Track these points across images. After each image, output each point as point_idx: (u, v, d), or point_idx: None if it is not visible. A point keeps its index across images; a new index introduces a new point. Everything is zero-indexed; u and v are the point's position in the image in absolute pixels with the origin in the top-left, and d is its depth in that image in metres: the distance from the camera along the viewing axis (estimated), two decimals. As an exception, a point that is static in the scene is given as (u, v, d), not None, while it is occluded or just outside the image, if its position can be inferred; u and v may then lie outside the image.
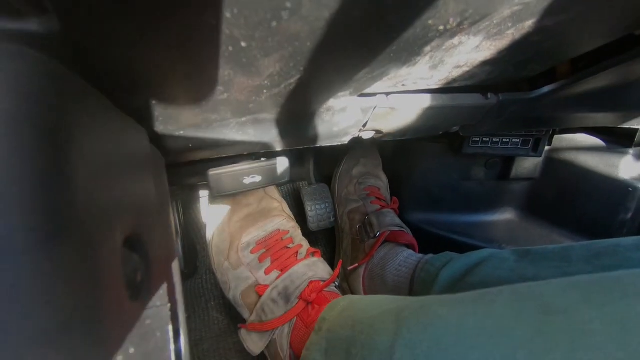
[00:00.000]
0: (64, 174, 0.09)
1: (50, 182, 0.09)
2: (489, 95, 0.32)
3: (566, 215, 0.62)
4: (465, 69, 0.26)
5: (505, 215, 0.68)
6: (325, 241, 0.68)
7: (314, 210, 0.57)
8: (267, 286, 0.41)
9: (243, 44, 0.15)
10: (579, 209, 0.60)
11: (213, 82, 0.18)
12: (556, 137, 0.60)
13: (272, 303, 0.40)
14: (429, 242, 0.59)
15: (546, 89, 0.33)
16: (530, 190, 0.66)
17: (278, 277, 0.41)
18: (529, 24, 0.21)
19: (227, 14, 0.13)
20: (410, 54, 0.21)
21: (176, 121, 0.22)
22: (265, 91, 0.20)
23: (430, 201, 0.67)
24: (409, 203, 0.67)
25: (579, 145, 0.59)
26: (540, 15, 0.21)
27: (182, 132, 0.23)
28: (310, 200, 0.57)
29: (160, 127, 0.22)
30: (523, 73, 0.32)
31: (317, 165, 0.63)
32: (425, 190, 0.67)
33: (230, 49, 0.15)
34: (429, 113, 0.32)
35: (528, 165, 0.62)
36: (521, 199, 0.67)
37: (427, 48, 0.20)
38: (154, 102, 0.19)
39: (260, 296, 0.41)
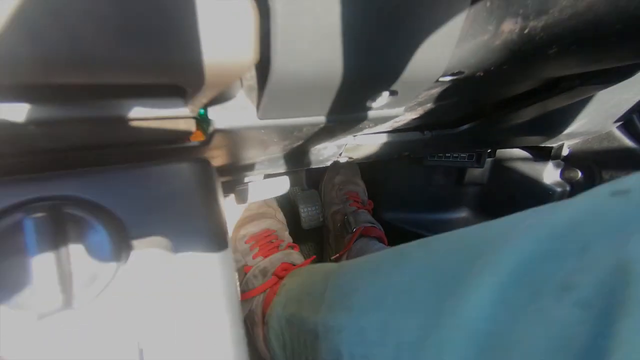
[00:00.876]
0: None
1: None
2: (425, 132, 0.47)
3: (507, 212, 0.78)
4: (402, 122, 0.40)
5: (461, 214, 0.84)
6: (317, 238, 0.82)
7: (306, 212, 0.71)
8: (251, 267, 0.55)
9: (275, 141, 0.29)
10: (516, 207, 0.76)
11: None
12: (499, 151, 0.75)
13: (254, 278, 0.53)
14: (400, 236, 0.74)
15: (466, 126, 0.48)
16: (480, 193, 0.81)
17: (261, 262, 0.55)
18: (446, 99, 0.35)
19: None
20: (360, 130, 0.35)
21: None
22: (279, 151, 0.34)
23: (400, 202, 0.82)
24: (384, 204, 0.81)
25: (515, 157, 0.74)
26: (454, 93, 0.35)
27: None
28: (303, 203, 0.71)
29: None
30: (448, 118, 0.47)
31: (308, 175, 0.78)
32: (396, 194, 0.82)
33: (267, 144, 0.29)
34: (384, 145, 0.47)
35: (477, 173, 0.78)
36: (473, 200, 0.82)
37: (371, 125, 0.34)
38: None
39: (246, 274, 0.55)
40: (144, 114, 0.16)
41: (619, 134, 0.60)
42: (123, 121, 0.16)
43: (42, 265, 0.14)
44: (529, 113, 0.51)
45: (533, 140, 0.64)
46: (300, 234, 0.73)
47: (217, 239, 0.20)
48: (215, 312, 0.19)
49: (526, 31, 0.18)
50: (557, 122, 0.57)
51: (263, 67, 0.15)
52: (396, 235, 0.69)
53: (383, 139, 0.45)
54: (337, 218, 0.70)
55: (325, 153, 0.44)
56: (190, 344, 0.18)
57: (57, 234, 0.15)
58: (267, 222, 0.61)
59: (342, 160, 0.49)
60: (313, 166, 0.47)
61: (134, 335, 0.17)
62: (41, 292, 0.15)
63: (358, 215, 0.68)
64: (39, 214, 0.15)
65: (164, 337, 0.18)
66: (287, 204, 0.78)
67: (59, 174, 0.16)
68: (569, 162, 0.68)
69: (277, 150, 0.34)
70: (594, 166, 0.65)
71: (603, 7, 0.15)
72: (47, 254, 0.14)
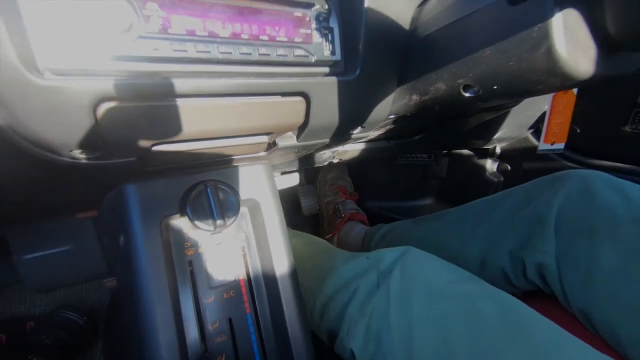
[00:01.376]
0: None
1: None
2: (390, 141, 0.67)
3: (461, 200, 1.00)
4: (374, 136, 0.61)
5: (426, 201, 1.05)
6: (314, 222, 1.02)
7: (305, 202, 0.91)
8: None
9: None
10: (468, 195, 0.98)
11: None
12: (454, 151, 0.97)
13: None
14: (380, 219, 0.95)
15: (418, 137, 0.69)
16: (440, 184, 1.03)
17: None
18: (396, 124, 0.56)
19: None
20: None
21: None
22: (295, 157, 0.54)
23: (379, 194, 1.03)
24: (367, 195, 1.02)
25: (465, 156, 0.97)
26: (399, 121, 0.55)
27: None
28: (303, 195, 0.91)
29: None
30: (404, 133, 0.68)
31: (305, 174, 0.97)
32: (376, 187, 1.03)
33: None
34: (364, 151, 0.67)
35: (437, 169, 1.00)
36: (436, 190, 1.04)
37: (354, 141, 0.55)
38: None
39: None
40: (250, 141, 0.36)
41: (531, 137, 0.83)
42: (238, 146, 0.36)
43: (213, 207, 0.34)
44: (467, 124, 0.72)
45: (474, 143, 0.87)
46: (301, 219, 0.92)
47: (275, 201, 0.39)
48: (276, 246, 0.38)
49: (422, 100, 0.38)
50: (489, 131, 0.79)
51: (304, 124, 0.35)
52: (377, 219, 0.90)
53: (363, 146, 0.65)
54: (329, 207, 0.90)
55: (324, 156, 0.64)
56: (267, 266, 0.38)
57: (217, 195, 0.34)
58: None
59: (335, 161, 0.69)
60: (316, 165, 0.66)
61: (240, 247, 0.37)
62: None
63: (346, 204, 0.88)
64: (210, 185, 0.34)
65: (254, 258, 0.37)
66: (290, 196, 0.97)
67: (210, 168, 0.36)
68: (501, 159, 0.91)
69: (294, 157, 0.54)
70: (518, 161, 0.88)
71: (447, 96, 0.35)
72: (215, 203, 0.34)
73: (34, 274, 0.50)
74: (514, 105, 0.65)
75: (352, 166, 1.02)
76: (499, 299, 0.31)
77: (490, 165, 0.93)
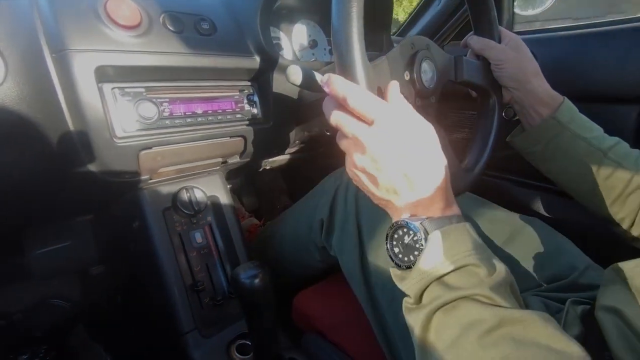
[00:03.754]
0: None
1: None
2: (304, 153, 0.98)
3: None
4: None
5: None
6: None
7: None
8: None
9: None
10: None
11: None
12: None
13: None
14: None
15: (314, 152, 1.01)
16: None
17: None
18: None
19: None
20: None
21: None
22: None
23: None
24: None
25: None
26: None
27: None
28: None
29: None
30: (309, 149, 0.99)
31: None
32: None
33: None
34: (286, 160, 0.96)
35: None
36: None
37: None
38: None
39: None
40: (213, 161, 0.62)
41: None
42: (206, 164, 0.61)
43: (192, 201, 0.59)
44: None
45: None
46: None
47: (227, 195, 0.66)
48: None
49: (308, 135, 0.69)
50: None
51: (243, 151, 0.63)
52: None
53: (287, 157, 0.94)
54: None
55: (256, 165, 0.91)
56: (224, 234, 0.64)
57: (194, 194, 0.60)
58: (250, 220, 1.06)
59: (267, 167, 0.97)
60: (256, 169, 0.94)
61: (208, 224, 0.63)
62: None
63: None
64: (189, 189, 0.59)
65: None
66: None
67: (189, 178, 0.61)
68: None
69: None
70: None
71: (320, 134, 0.66)
72: (193, 199, 0.59)
73: (41, 265, 0.68)
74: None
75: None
76: None
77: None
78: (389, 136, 0.31)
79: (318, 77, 0.47)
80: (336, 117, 0.33)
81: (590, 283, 0.50)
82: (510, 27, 0.87)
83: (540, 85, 0.55)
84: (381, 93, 0.36)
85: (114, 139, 0.44)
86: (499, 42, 0.57)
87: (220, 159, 0.62)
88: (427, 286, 0.30)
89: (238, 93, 0.57)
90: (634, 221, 0.50)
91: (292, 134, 0.69)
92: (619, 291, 0.38)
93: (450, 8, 0.91)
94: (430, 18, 0.94)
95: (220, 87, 0.54)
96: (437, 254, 0.29)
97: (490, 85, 0.56)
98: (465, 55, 0.57)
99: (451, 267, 0.29)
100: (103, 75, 0.41)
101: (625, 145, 0.52)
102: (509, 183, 0.84)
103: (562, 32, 0.79)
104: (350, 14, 0.32)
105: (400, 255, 0.33)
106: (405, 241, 0.32)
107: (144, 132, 0.46)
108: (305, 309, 0.61)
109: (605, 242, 0.56)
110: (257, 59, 0.55)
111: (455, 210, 0.35)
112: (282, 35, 0.68)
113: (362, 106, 0.31)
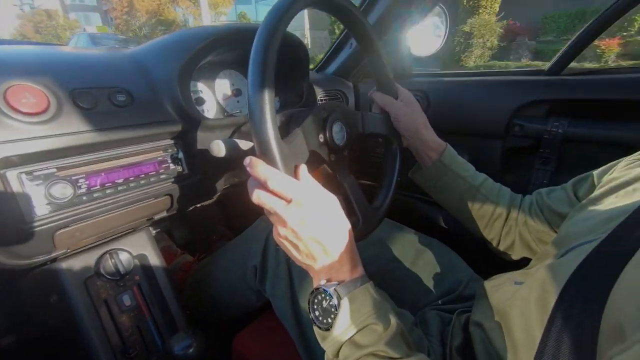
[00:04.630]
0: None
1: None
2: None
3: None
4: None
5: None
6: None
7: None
8: None
9: None
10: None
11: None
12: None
13: None
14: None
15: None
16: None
17: None
18: None
19: None
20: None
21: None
22: None
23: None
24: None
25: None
26: None
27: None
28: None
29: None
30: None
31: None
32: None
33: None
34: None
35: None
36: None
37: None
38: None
39: None
40: (139, 222, 0.61)
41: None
42: (132, 222, 0.60)
43: (117, 264, 0.58)
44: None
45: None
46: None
47: (156, 252, 0.65)
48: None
49: (235, 181, 0.72)
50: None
51: (170, 207, 0.63)
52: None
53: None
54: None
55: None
56: (154, 291, 0.64)
57: (118, 257, 0.58)
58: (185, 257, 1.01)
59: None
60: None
61: (136, 284, 0.62)
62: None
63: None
64: (113, 252, 0.58)
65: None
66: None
67: (114, 239, 0.59)
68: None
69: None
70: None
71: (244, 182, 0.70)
72: (117, 262, 0.58)
73: None
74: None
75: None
76: None
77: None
78: (304, 211, 0.37)
79: (241, 144, 0.52)
80: (258, 196, 0.38)
81: (472, 294, 0.64)
82: (410, 72, 1.02)
83: (429, 135, 0.68)
84: (297, 169, 0.42)
85: (24, 225, 0.42)
86: (397, 97, 0.68)
87: (145, 219, 0.61)
88: (341, 346, 0.38)
89: (162, 153, 0.57)
90: (499, 240, 0.66)
91: (222, 181, 0.71)
92: (483, 307, 0.51)
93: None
94: (345, 58, 1.04)
95: (141, 151, 0.54)
96: (345, 320, 0.37)
97: (391, 134, 0.67)
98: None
99: (355, 330, 0.37)
100: (7, 163, 0.39)
101: (491, 182, 0.67)
102: (414, 200, 0.99)
103: (448, 78, 0.97)
104: (264, 108, 0.37)
105: (320, 318, 0.40)
106: (324, 305, 0.40)
107: (58, 213, 0.45)
108: (245, 350, 0.65)
109: (484, 255, 0.71)
110: (179, 122, 0.56)
111: (360, 271, 0.42)
112: (203, 87, 0.69)
113: (280, 188, 0.37)
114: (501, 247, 0.66)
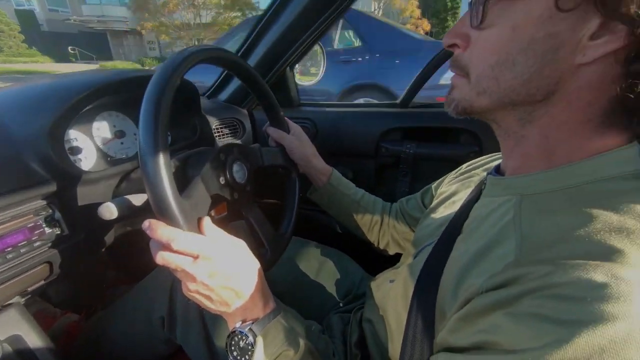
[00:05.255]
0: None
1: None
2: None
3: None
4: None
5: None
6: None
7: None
8: None
9: None
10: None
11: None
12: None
13: None
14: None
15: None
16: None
17: None
18: None
19: None
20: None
21: None
22: None
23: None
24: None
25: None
26: None
27: None
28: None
29: None
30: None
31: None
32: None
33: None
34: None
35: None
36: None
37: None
38: None
39: None
40: (12, 297, 0.52)
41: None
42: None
43: None
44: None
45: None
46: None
47: (35, 328, 0.57)
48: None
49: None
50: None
51: (49, 275, 0.56)
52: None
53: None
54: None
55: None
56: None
57: None
58: None
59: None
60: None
61: None
62: None
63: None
64: None
65: None
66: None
67: None
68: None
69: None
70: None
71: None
72: None
73: None
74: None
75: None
76: None
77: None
78: (213, 264, 0.38)
79: (134, 200, 0.50)
80: (163, 257, 0.37)
81: (364, 292, 0.77)
82: (298, 102, 1.13)
83: (318, 162, 0.79)
84: (200, 222, 0.43)
85: None
86: (288, 131, 0.77)
87: (18, 294, 0.53)
88: None
89: (32, 218, 0.51)
90: (378, 241, 0.81)
91: (111, 234, 0.66)
92: (371, 304, 0.63)
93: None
94: (237, 86, 1.07)
95: (4, 220, 0.47)
96: (260, 354, 0.42)
97: (289, 164, 0.76)
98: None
99: None
100: None
101: (368, 195, 0.82)
102: (314, 212, 1.11)
103: (330, 109, 1.12)
104: (158, 167, 0.36)
105: (238, 358, 0.43)
106: (241, 345, 0.43)
107: None
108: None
109: (370, 255, 0.86)
110: (53, 182, 0.51)
111: (271, 305, 0.46)
112: (78, 135, 0.63)
113: (185, 247, 0.37)
114: (381, 247, 0.82)
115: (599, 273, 0.24)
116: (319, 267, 0.83)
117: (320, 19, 0.83)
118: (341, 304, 0.78)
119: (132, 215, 0.48)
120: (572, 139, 0.33)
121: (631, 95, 0.27)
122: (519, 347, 0.25)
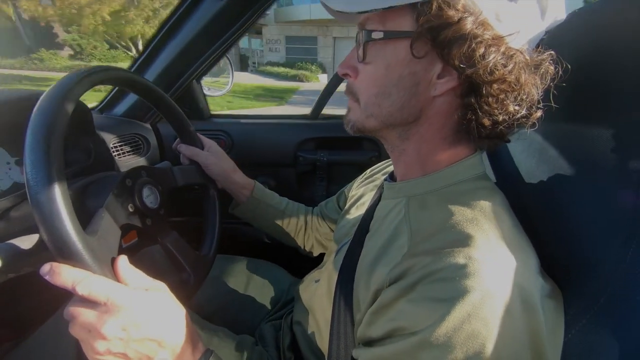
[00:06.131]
0: None
1: None
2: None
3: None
4: None
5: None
6: None
7: None
8: None
9: None
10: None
11: None
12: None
13: None
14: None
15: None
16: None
17: None
18: None
19: None
20: None
21: None
22: None
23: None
24: None
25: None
26: None
27: None
28: None
29: None
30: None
31: None
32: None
33: None
34: None
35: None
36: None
37: None
38: None
39: None
40: None
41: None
42: None
43: None
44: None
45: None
46: None
47: None
48: None
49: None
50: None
51: None
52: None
53: None
54: None
55: None
56: None
57: None
58: None
59: None
60: None
61: None
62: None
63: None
64: None
65: None
66: None
67: None
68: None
69: None
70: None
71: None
72: None
73: None
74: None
75: None
76: None
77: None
78: (126, 313, 0.33)
79: (21, 243, 0.42)
80: (67, 312, 0.33)
81: (293, 296, 0.80)
82: (208, 113, 1.10)
83: (239, 177, 0.77)
84: (115, 262, 0.37)
85: None
86: (202, 147, 0.74)
87: None
88: None
89: None
90: (304, 245, 0.84)
91: None
92: (300, 307, 0.66)
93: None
94: (135, 99, 0.97)
95: None
96: None
97: (206, 181, 0.72)
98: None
99: None
100: None
101: (291, 203, 0.84)
102: (239, 226, 1.09)
103: (244, 120, 1.12)
104: (54, 199, 0.32)
105: None
106: None
107: None
108: None
109: (298, 259, 0.90)
110: None
111: (200, 348, 0.41)
112: None
113: (91, 291, 0.32)
114: (306, 249, 0.86)
115: (460, 257, 0.31)
116: (247, 280, 0.82)
117: (227, 33, 0.83)
118: (272, 312, 0.79)
119: (20, 263, 0.41)
120: (436, 151, 0.42)
121: (464, 121, 0.37)
122: (418, 328, 0.31)
